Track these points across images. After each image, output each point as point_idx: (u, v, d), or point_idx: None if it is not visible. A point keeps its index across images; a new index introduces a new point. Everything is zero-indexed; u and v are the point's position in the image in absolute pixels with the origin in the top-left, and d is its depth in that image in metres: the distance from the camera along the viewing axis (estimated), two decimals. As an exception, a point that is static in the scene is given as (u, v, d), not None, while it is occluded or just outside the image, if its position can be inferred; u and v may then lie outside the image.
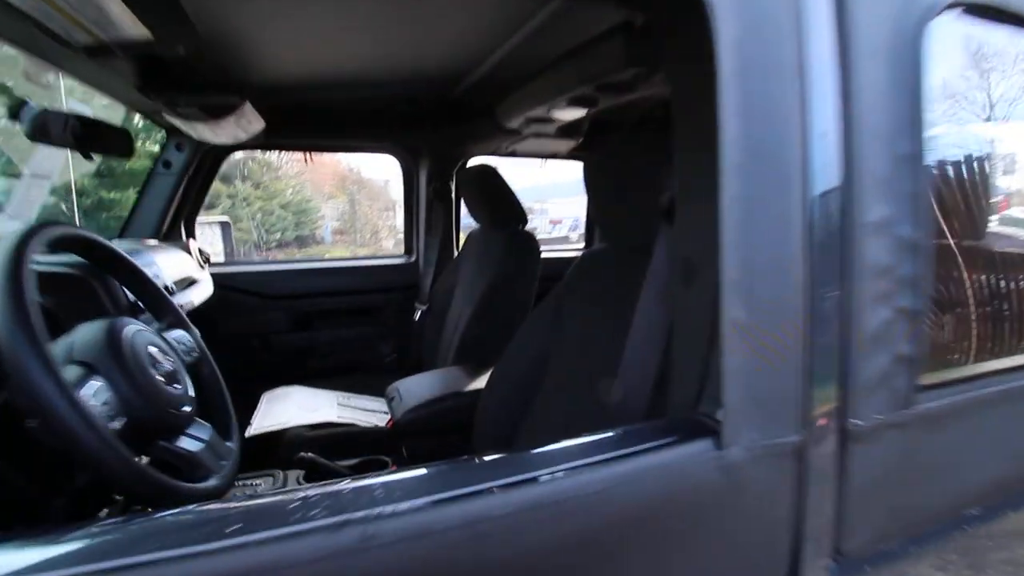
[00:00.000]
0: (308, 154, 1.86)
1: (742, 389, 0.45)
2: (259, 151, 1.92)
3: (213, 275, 1.76)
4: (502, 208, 1.60)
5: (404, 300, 2.06)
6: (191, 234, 1.78)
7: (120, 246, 1.35)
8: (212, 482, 0.68)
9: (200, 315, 1.67)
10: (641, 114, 2.07)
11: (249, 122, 1.44)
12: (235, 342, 1.83)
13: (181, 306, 1.33)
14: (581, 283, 1.02)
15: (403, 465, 1.32)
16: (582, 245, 2.59)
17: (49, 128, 0.84)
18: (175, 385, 0.69)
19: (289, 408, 1.54)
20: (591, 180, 0.94)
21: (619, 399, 0.73)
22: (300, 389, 1.70)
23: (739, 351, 0.45)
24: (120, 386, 0.61)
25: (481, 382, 1.36)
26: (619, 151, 0.89)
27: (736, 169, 0.44)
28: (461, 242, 2.14)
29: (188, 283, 1.52)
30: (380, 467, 1.35)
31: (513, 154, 2.08)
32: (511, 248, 1.55)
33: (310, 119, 1.72)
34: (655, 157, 0.81)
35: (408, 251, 2.16)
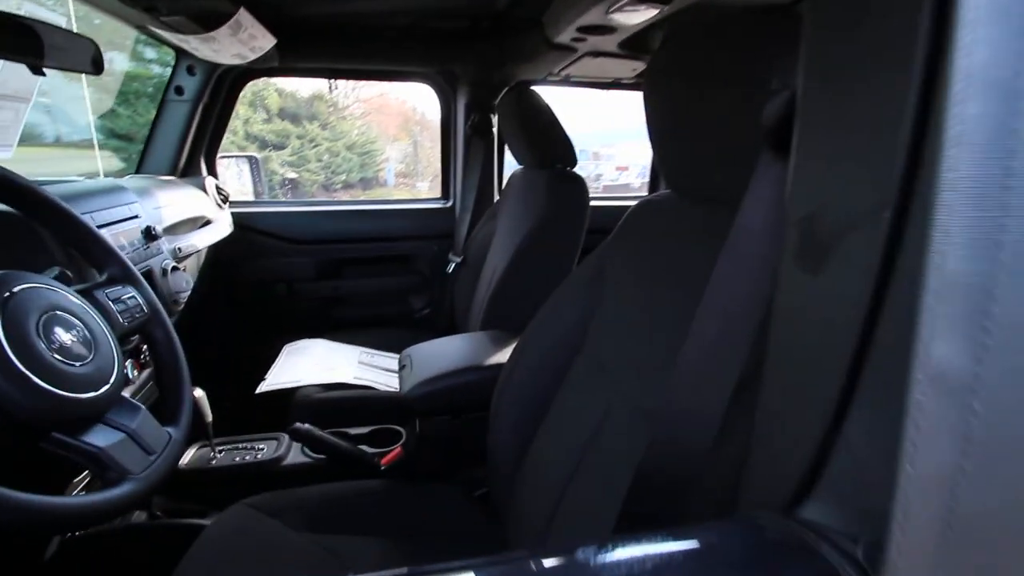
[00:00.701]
0: (332, 82, 1.64)
1: (940, 511, 0.20)
2: (280, 77, 1.73)
3: (236, 215, 1.64)
4: (543, 141, 1.33)
5: (439, 249, 1.87)
6: (212, 170, 1.66)
7: (130, 183, 1.25)
8: (121, 488, 0.53)
9: (220, 258, 1.57)
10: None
11: (253, 37, 1.24)
12: (259, 288, 1.73)
13: (179, 249, 1.21)
14: (630, 241, 0.76)
15: (415, 440, 1.18)
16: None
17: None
18: (74, 363, 0.53)
19: (306, 364, 1.43)
20: (653, 96, 0.67)
21: (675, 408, 0.49)
22: (322, 343, 1.58)
23: (942, 428, 0.20)
24: None
25: (506, 353, 1.16)
26: (695, 45, 0.60)
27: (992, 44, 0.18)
28: (503, 185, 1.89)
29: (200, 223, 1.40)
30: (392, 438, 1.22)
31: (567, 81, 1.76)
32: (552, 191, 1.29)
33: (329, 39, 1.49)
34: (752, 52, 0.52)
35: (445, 195, 1.94)
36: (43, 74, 0.83)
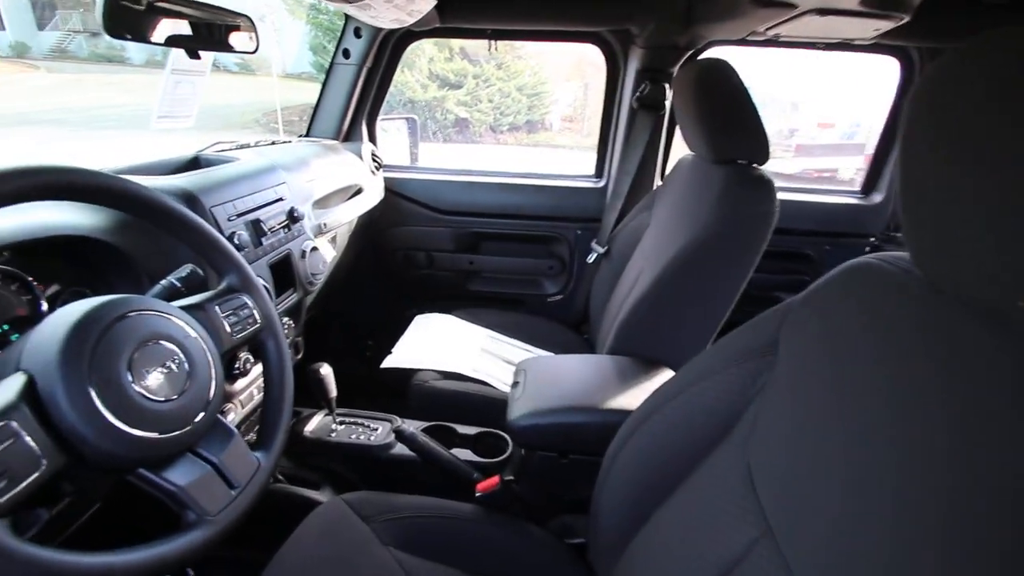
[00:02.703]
0: (493, 43, 1.51)
1: None
2: (441, 38, 1.65)
3: (386, 180, 1.66)
4: (729, 129, 1.04)
5: (582, 234, 1.70)
6: (371, 134, 1.68)
7: (283, 157, 1.28)
8: (188, 537, 0.51)
9: (367, 223, 1.62)
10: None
11: (411, 1, 1.15)
12: (401, 255, 1.76)
13: (325, 224, 1.24)
14: (834, 319, 0.51)
15: (514, 468, 1.09)
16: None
17: (125, 18, 0.68)
18: (165, 399, 0.52)
19: (430, 344, 1.42)
20: (927, 118, 0.40)
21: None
22: (451, 320, 1.56)
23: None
24: (59, 412, 0.45)
25: (635, 396, 0.99)
26: None
27: None
28: (667, 171, 1.61)
29: (351, 192, 1.42)
30: (496, 444, 1.16)
31: (773, 42, 1.38)
32: (730, 196, 1.02)
33: None
34: None
35: (599, 172, 1.73)
36: (199, 57, 0.84)
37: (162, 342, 0.54)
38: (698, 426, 0.63)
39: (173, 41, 0.76)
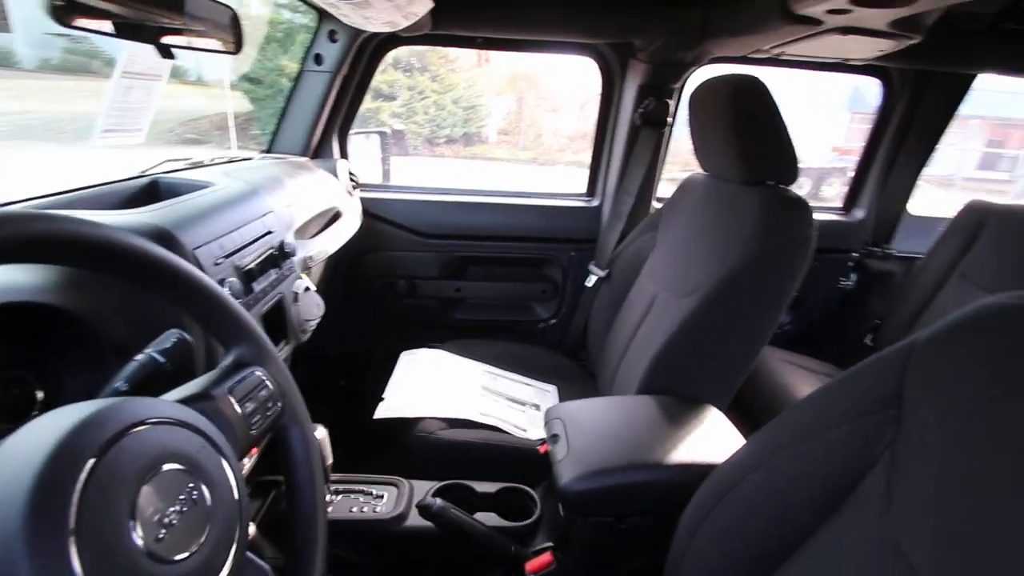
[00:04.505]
0: (483, 53, 1.39)
1: None
2: (426, 45, 1.51)
3: (362, 201, 1.48)
4: (763, 150, 0.99)
5: (577, 256, 1.60)
6: (343, 149, 1.50)
7: (261, 178, 1.07)
8: None
9: (343, 249, 1.42)
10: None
11: (410, 2, 1.00)
12: (379, 283, 1.58)
13: (310, 258, 1.06)
14: (964, 375, 0.44)
15: (561, 532, 0.96)
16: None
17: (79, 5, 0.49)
18: (182, 554, 0.35)
19: (425, 386, 1.26)
20: None
21: None
22: (443, 355, 1.41)
23: None
24: None
25: (698, 445, 0.89)
26: None
27: None
28: (659, 190, 1.56)
29: (329, 217, 1.24)
30: (523, 500, 1.01)
31: (774, 61, 1.36)
32: (771, 220, 0.96)
33: (488, 3, 1.22)
34: None
35: (591, 191, 1.65)
36: (172, 56, 0.66)
37: (171, 466, 0.36)
38: (809, 493, 0.54)
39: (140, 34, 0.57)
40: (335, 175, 1.33)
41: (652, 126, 1.38)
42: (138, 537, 0.32)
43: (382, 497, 1.00)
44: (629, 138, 1.43)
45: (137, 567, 0.31)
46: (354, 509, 0.96)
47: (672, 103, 1.37)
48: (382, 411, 1.16)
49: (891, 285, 1.70)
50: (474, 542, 0.86)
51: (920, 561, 0.43)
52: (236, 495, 0.41)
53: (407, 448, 1.13)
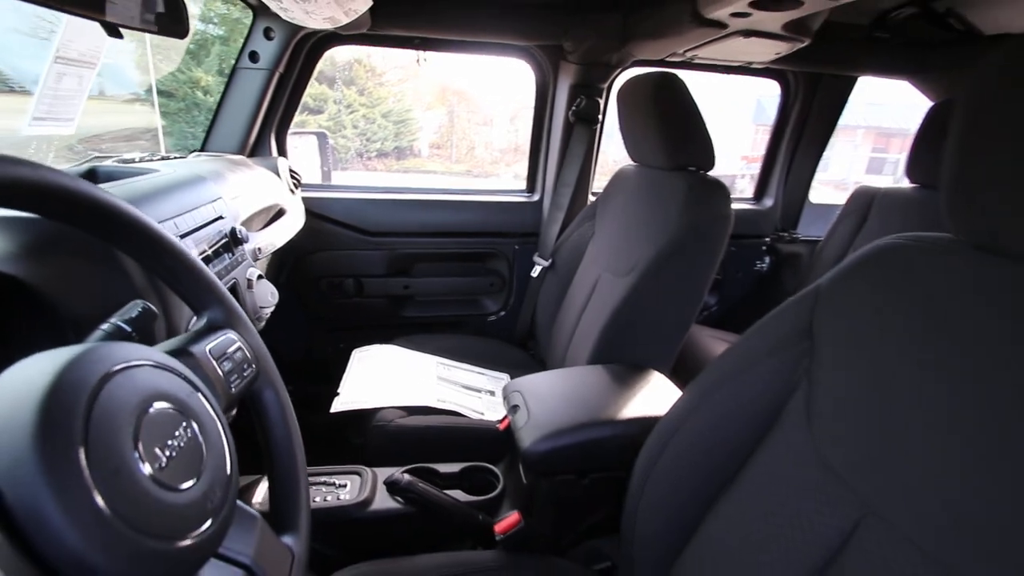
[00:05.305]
0: (421, 53, 1.43)
1: None
2: (363, 45, 1.51)
3: (305, 200, 1.47)
4: (684, 139, 1.11)
5: (521, 249, 1.67)
6: (281, 148, 1.48)
7: (206, 168, 1.06)
8: None
9: (286, 249, 1.40)
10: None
11: (350, -2, 1.03)
12: (325, 283, 1.56)
13: (259, 250, 1.04)
14: (875, 297, 0.54)
15: (521, 496, 1.01)
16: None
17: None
18: (183, 485, 0.36)
19: (381, 378, 1.26)
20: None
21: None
22: (395, 350, 1.41)
23: None
24: (51, 535, 0.28)
25: (646, 402, 0.97)
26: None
27: None
28: (595, 182, 1.66)
29: (274, 215, 1.22)
30: (486, 477, 1.05)
31: (687, 64, 1.51)
32: (695, 201, 1.07)
33: (426, 4, 1.27)
34: None
35: (530, 187, 1.73)
36: (120, 36, 0.65)
37: (164, 405, 0.37)
38: (740, 425, 0.62)
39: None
40: (276, 173, 1.32)
41: (585, 123, 1.48)
42: (143, 462, 0.33)
43: (345, 486, 0.99)
44: (564, 135, 1.53)
45: (144, 489, 0.33)
46: (317, 499, 0.96)
47: (601, 101, 1.48)
48: (338, 405, 1.16)
49: (799, 265, 1.91)
50: (443, 514, 0.89)
51: (838, 462, 0.51)
52: (224, 439, 0.42)
53: (366, 440, 1.13)
